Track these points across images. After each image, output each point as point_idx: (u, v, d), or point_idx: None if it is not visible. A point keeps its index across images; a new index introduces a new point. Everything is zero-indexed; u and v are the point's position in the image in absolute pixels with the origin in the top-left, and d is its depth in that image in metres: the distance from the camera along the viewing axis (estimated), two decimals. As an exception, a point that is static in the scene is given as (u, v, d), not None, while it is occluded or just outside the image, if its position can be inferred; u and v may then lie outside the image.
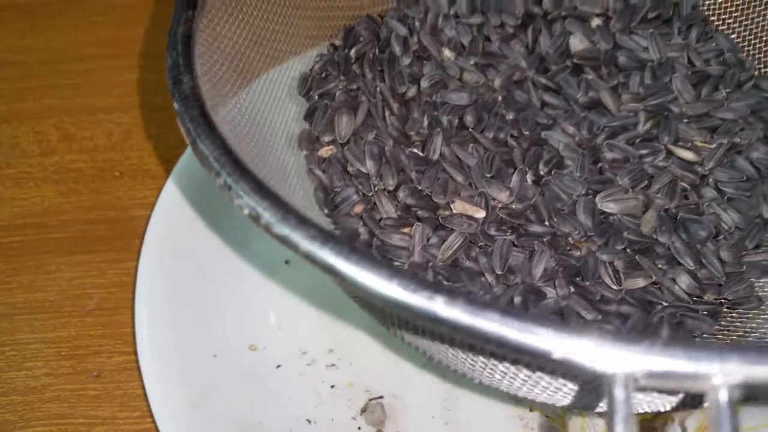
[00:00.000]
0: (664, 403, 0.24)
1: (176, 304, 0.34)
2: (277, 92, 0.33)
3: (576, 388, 0.23)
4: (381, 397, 0.33)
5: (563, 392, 0.24)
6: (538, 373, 0.23)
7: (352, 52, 0.34)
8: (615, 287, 0.28)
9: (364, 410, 0.32)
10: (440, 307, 0.18)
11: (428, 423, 0.32)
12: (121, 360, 0.35)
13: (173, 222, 0.37)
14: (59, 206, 0.40)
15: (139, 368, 0.32)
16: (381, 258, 0.22)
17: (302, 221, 0.20)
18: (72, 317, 0.36)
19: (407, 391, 0.33)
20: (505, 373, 0.24)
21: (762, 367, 0.17)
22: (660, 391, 0.21)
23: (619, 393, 0.17)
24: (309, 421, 0.32)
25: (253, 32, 0.32)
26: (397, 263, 0.28)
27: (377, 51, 0.35)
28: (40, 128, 0.43)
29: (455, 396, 0.33)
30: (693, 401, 0.23)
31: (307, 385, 0.33)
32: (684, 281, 0.28)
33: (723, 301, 0.29)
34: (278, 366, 0.33)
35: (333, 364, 0.34)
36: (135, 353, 0.33)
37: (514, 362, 0.23)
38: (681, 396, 0.23)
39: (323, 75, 0.34)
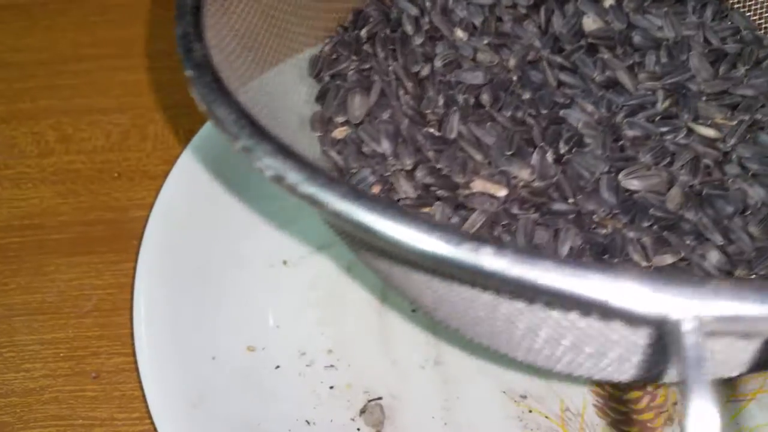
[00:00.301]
0: (734, 366, 0.23)
1: (174, 305, 0.34)
2: (287, 74, 0.33)
3: (630, 350, 0.22)
4: (380, 398, 0.32)
5: (609, 358, 0.23)
6: (586, 335, 0.22)
7: (363, 32, 0.34)
8: (644, 264, 0.27)
9: (363, 411, 0.32)
10: (488, 259, 0.17)
11: (428, 423, 0.32)
12: (119, 361, 0.34)
13: (172, 223, 0.36)
14: (57, 207, 0.39)
15: (137, 369, 0.32)
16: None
17: (331, 179, 0.19)
18: (70, 318, 0.35)
19: (406, 392, 0.32)
20: (548, 341, 0.23)
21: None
22: (734, 333, 0.20)
23: (689, 339, 0.16)
24: (308, 422, 0.32)
25: (263, 11, 0.31)
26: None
27: (388, 31, 0.34)
28: (38, 129, 0.42)
29: (455, 396, 0.32)
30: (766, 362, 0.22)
31: (306, 386, 0.33)
32: (714, 257, 0.27)
33: (755, 276, 0.28)
34: (277, 367, 0.33)
35: (332, 365, 0.33)
36: (133, 354, 0.32)
37: (569, 313, 0.21)
38: (755, 354, 0.22)
39: (334, 56, 0.34)
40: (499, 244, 0.17)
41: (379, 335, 0.34)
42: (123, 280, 0.36)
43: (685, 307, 0.16)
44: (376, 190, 0.29)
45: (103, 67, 0.45)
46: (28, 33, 0.47)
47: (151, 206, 0.37)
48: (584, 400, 0.32)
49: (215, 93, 0.22)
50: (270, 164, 0.20)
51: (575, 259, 0.21)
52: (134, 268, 0.35)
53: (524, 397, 0.32)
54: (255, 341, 0.34)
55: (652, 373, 0.24)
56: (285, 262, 0.36)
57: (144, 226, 0.36)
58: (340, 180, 0.19)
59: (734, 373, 0.23)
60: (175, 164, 0.38)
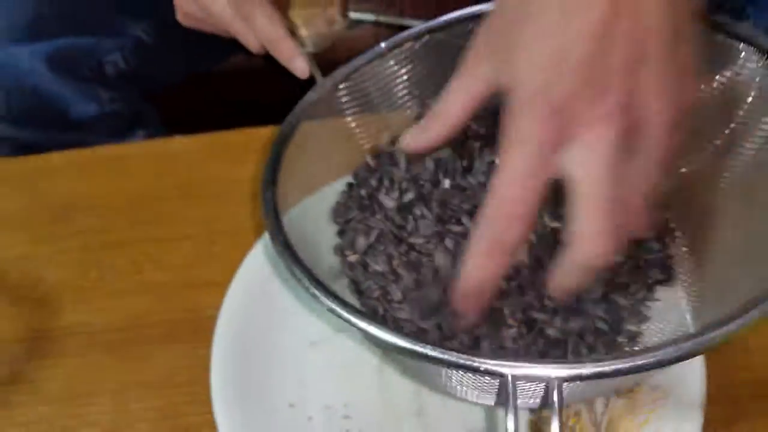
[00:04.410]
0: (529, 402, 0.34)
1: (240, 378, 0.45)
2: (319, 217, 0.45)
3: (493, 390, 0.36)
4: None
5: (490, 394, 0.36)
6: (481, 384, 0.35)
7: (363, 192, 0.45)
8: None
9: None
10: (429, 349, 0.32)
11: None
12: (201, 420, 0.45)
13: (235, 318, 0.48)
14: (152, 309, 0.51)
15: (216, 426, 0.43)
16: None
17: (357, 311, 0.34)
18: (166, 390, 0.47)
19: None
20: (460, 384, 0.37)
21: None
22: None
23: (510, 388, 0.30)
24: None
25: (302, 182, 0.45)
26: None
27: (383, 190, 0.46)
28: (132, 254, 0.54)
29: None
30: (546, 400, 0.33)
31: (330, 432, 0.44)
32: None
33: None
34: (309, 418, 0.45)
35: (348, 416, 0.45)
36: (212, 413, 0.44)
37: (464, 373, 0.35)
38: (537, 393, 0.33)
39: (348, 205, 0.45)
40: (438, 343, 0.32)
41: (379, 390, 0.46)
42: (202, 362, 0.46)
43: (509, 368, 0.31)
44: (377, 294, 0.43)
45: (173, 205, 0.57)
46: (118, 180, 0.59)
47: (219, 307, 0.48)
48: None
49: (295, 265, 0.37)
50: (325, 302, 0.35)
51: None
52: (209, 353, 0.46)
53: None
54: (293, 399, 0.46)
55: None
56: (312, 344, 0.49)
57: (215, 323, 0.47)
58: (366, 313, 0.34)
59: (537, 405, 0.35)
60: (235, 276, 0.49)
